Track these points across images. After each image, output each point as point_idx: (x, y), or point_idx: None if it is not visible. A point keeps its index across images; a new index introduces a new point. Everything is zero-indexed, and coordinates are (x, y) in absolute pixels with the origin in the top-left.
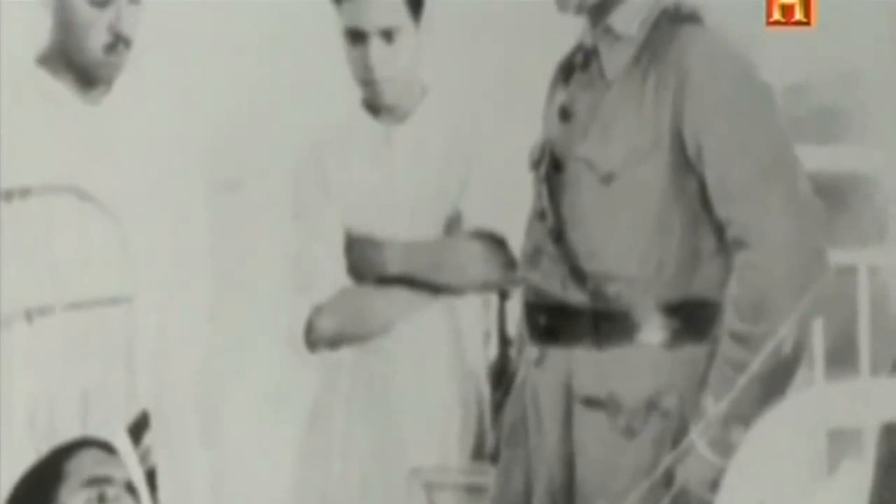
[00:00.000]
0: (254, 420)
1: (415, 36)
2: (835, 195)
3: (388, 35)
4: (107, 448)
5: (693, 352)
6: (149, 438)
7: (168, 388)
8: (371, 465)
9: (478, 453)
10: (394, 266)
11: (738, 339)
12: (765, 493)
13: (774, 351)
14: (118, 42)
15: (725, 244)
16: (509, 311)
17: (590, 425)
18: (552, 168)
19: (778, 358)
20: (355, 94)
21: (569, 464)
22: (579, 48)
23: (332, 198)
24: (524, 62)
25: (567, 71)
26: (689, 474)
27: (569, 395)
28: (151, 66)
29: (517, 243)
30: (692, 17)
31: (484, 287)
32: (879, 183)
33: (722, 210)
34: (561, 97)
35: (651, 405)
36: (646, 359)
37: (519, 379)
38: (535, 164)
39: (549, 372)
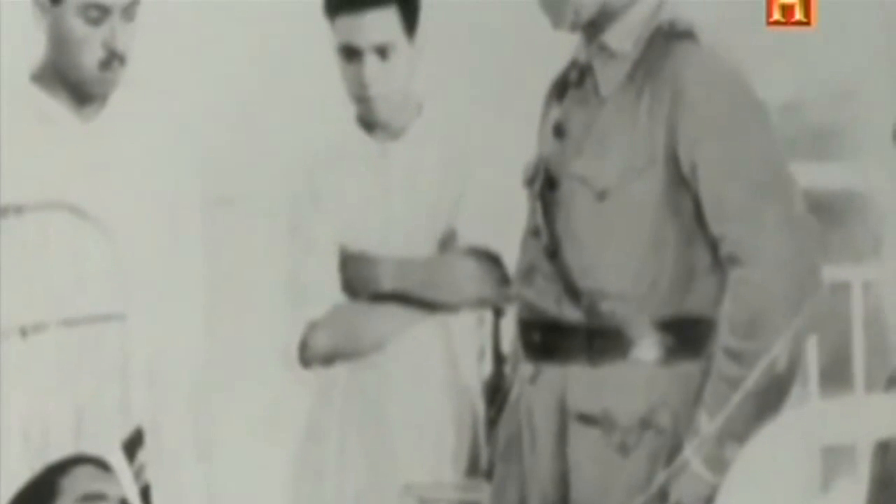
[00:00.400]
0: (248, 436)
1: (409, 52)
2: (829, 212)
3: (382, 52)
4: (101, 465)
5: (687, 369)
6: (143, 455)
7: (162, 404)
8: (365, 481)
9: (472, 470)
10: (388, 283)
11: (733, 355)
12: None
13: (769, 368)
14: (113, 59)
15: (720, 261)
16: (504, 328)
17: (584, 442)
18: (546, 185)
19: (772, 375)
20: (349, 110)
21: (563, 480)
22: (574, 65)
23: (326, 214)
24: (519, 79)
25: (561, 88)
26: (684, 491)
27: (563, 412)
28: (146, 83)
29: (512, 260)
30: (687, 35)
31: (478, 304)
32: (873, 200)
33: (716, 227)
34: (555, 114)
35: (645, 422)
36: (640, 376)
37: (513, 396)
38: (530, 181)
39: (543, 389)
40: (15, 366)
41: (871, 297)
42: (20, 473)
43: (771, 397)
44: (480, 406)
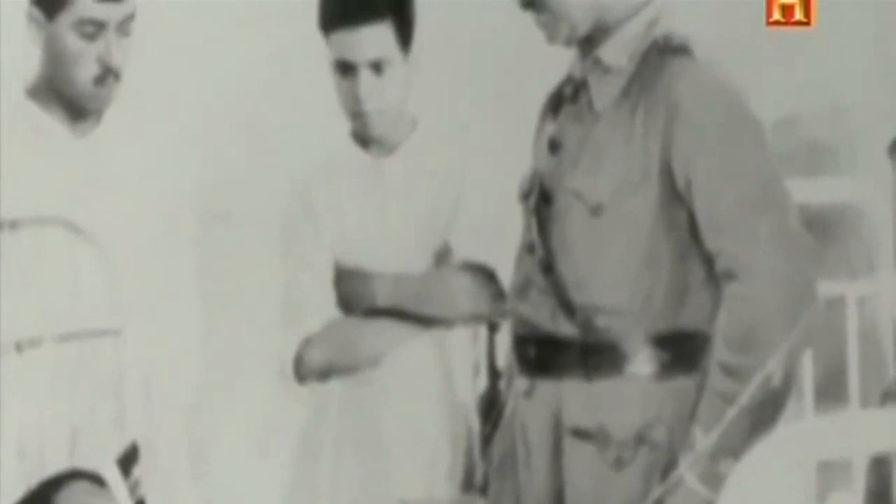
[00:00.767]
0: (243, 452)
1: (404, 68)
2: (824, 227)
3: (377, 67)
4: (96, 480)
5: (682, 384)
6: (138, 471)
7: (157, 420)
8: (360, 497)
9: (467, 485)
10: (383, 298)
11: (728, 371)
12: None
13: (764, 383)
14: (108, 74)
15: (714, 276)
16: (498, 343)
17: (579, 457)
18: (541, 200)
19: (767, 390)
20: (344, 126)
21: (558, 496)
22: (569, 80)
23: (321, 230)
24: (513, 94)
25: (556, 103)
26: None
27: (558, 427)
28: (141, 99)
29: (506, 275)
30: (682, 50)
31: (473, 319)
32: (867, 215)
33: (711, 242)
34: (550, 129)
35: (640, 437)
36: (635, 391)
37: (508, 411)
38: (525, 196)
39: (538, 404)
40: (10, 381)
41: (866, 312)
42: (15, 488)
43: (766, 412)
44: (475, 421)
